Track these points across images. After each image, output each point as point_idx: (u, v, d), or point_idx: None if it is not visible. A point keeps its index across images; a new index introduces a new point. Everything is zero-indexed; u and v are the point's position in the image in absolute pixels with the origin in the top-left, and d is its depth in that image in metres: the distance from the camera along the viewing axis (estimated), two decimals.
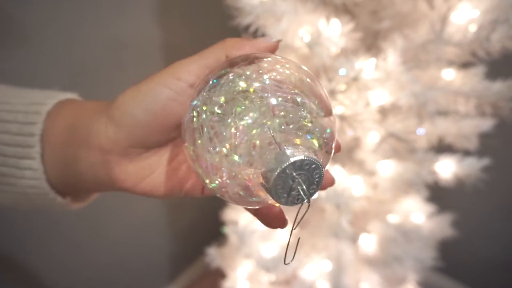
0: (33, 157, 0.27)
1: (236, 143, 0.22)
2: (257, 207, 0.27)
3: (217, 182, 0.23)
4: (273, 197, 0.22)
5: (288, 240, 0.25)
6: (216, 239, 1.09)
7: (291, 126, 0.22)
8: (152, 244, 1.19)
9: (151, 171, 0.27)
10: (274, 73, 0.24)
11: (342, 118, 0.64)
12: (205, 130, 0.23)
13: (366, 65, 0.59)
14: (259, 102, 0.22)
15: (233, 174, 0.23)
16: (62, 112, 0.28)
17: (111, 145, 0.25)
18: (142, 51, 0.90)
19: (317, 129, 0.23)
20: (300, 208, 0.23)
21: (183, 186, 0.29)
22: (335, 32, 0.58)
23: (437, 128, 0.72)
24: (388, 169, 0.75)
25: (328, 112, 0.25)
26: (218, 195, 0.25)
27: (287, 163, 0.21)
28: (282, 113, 0.22)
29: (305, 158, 0.21)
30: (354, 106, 0.63)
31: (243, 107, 0.22)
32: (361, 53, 0.60)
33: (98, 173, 0.26)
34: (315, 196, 0.23)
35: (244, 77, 0.23)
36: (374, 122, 0.66)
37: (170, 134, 0.26)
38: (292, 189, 0.22)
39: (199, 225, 1.31)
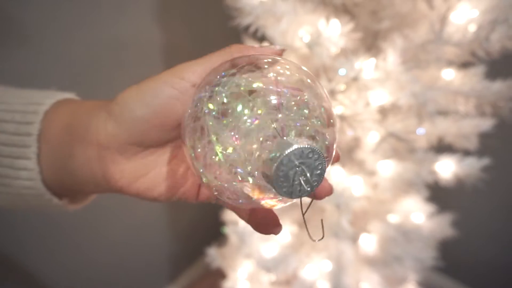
0: (29, 157, 0.27)
1: (239, 137, 0.22)
2: (255, 206, 0.27)
3: (215, 178, 0.23)
4: (274, 187, 0.21)
5: (303, 219, 0.24)
6: (217, 239, 1.09)
7: (294, 122, 0.22)
8: (152, 244, 1.19)
9: (147, 171, 0.27)
10: (277, 73, 0.24)
11: (342, 118, 0.64)
12: (207, 127, 0.23)
13: (366, 65, 0.59)
14: (262, 101, 0.22)
15: (234, 171, 0.22)
16: (59, 111, 0.28)
17: (108, 141, 0.25)
18: (142, 51, 0.90)
19: (319, 125, 0.23)
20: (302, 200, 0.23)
21: (178, 189, 0.29)
22: (334, 32, 0.58)
23: (437, 128, 0.72)
24: (388, 169, 0.75)
25: (329, 118, 0.25)
26: (215, 193, 0.25)
27: (290, 149, 0.21)
28: (286, 111, 0.23)
29: (308, 146, 0.21)
30: (354, 106, 0.63)
31: (246, 105, 0.22)
32: (361, 53, 0.61)
33: (93, 170, 0.26)
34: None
35: (246, 76, 0.23)
36: (374, 122, 0.66)
37: (169, 134, 0.26)
38: (294, 179, 0.21)
39: (199, 225, 1.31)
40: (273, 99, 0.23)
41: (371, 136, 0.72)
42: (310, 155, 0.21)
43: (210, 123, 0.23)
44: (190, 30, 1.01)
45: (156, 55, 0.94)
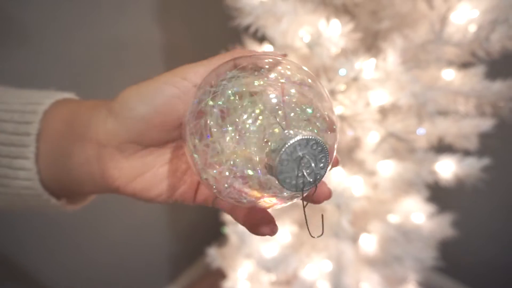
0: (27, 156, 0.27)
1: (242, 133, 0.22)
2: (254, 205, 0.26)
3: (216, 175, 0.23)
4: (277, 178, 0.21)
5: (305, 214, 0.24)
6: (217, 239, 1.09)
7: (298, 117, 0.22)
8: (152, 244, 1.19)
9: (145, 171, 0.27)
10: (279, 73, 0.24)
11: (342, 118, 0.64)
12: (209, 124, 0.23)
13: (366, 65, 0.59)
14: (264, 99, 0.23)
15: (235, 166, 0.22)
16: (59, 111, 0.28)
17: (108, 138, 0.25)
18: (142, 51, 0.90)
19: (320, 123, 0.24)
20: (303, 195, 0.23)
21: (175, 191, 0.28)
22: (335, 32, 0.58)
23: (437, 128, 0.72)
24: (388, 169, 0.75)
25: (332, 124, 0.25)
26: (215, 191, 0.24)
27: (294, 139, 0.20)
28: (289, 109, 0.23)
29: (312, 137, 0.21)
30: (354, 106, 0.63)
31: (248, 102, 0.22)
32: (361, 53, 0.61)
33: (92, 168, 0.26)
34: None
35: (249, 75, 0.23)
36: (374, 122, 0.66)
37: (170, 134, 0.26)
38: (298, 170, 0.21)
39: (199, 225, 1.31)
40: (276, 98, 0.23)
41: (371, 136, 0.72)
42: (314, 147, 0.21)
43: (213, 121, 0.23)
44: (190, 30, 1.01)
45: (156, 55, 0.94)
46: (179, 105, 0.25)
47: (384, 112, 0.70)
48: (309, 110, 0.23)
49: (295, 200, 0.26)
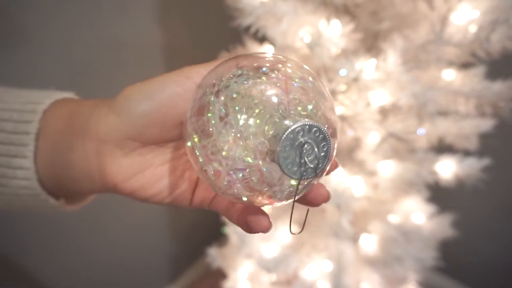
0: (25, 155, 0.27)
1: (244, 126, 0.22)
2: (253, 200, 0.26)
3: (217, 166, 0.23)
4: (279, 164, 0.21)
5: (291, 214, 0.24)
6: (217, 239, 1.09)
7: (299, 113, 0.23)
8: (152, 244, 1.19)
9: (143, 169, 0.27)
10: (280, 71, 0.24)
11: (343, 118, 0.64)
12: (211, 118, 0.23)
13: (366, 65, 0.59)
14: (267, 93, 0.23)
15: (236, 158, 0.22)
16: (59, 110, 0.28)
17: (108, 134, 0.25)
18: (143, 51, 0.90)
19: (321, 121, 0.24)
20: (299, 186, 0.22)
21: (172, 191, 0.28)
22: (335, 32, 0.58)
23: (437, 128, 0.72)
24: (389, 169, 0.75)
25: (333, 130, 0.25)
26: (215, 189, 0.24)
27: (297, 124, 0.20)
28: (292, 105, 0.23)
29: (315, 124, 0.21)
30: (354, 107, 0.63)
31: (251, 98, 0.22)
32: (361, 54, 0.61)
33: (90, 165, 0.26)
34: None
35: (252, 74, 0.24)
36: (375, 123, 0.66)
37: (170, 133, 0.26)
38: (300, 156, 0.21)
39: (199, 225, 1.31)
40: (277, 94, 0.23)
41: (372, 137, 0.72)
42: (317, 133, 0.21)
43: (214, 116, 0.23)
44: (190, 31, 1.01)
45: (156, 55, 0.94)
46: (181, 103, 0.25)
47: (384, 112, 0.70)
48: (310, 107, 0.23)
49: (294, 200, 0.25)
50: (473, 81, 0.66)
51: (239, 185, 0.23)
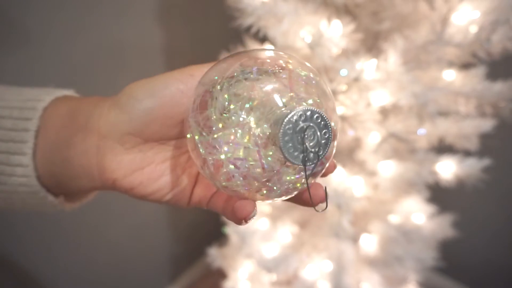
0: (24, 152, 0.27)
1: (246, 121, 0.22)
2: (254, 192, 0.26)
3: (218, 156, 0.23)
4: (281, 149, 0.21)
5: (307, 186, 0.24)
6: (217, 240, 1.09)
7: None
8: (153, 244, 1.19)
9: (143, 165, 0.27)
10: (281, 66, 0.24)
11: (343, 118, 0.64)
12: (213, 113, 0.23)
13: (367, 65, 0.59)
14: (270, 88, 0.23)
15: (238, 149, 0.22)
16: (58, 108, 0.28)
17: (109, 129, 0.25)
18: (143, 52, 0.90)
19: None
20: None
21: (171, 189, 0.28)
22: (336, 33, 0.58)
23: (438, 128, 0.72)
24: (389, 169, 0.75)
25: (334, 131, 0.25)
26: (215, 183, 0.24)
27: (298, 109, 0.20)
28: (295, 98, 0.23)
29: (316, 109, 0.21)
30: (355, 107, 0.63)
31: (253, 93, 0.23)
32: (362, 54, 0.61)
33: (90, 160, 0.26)
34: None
35: (255, 70, 0.24)
36: (375, 123, 0.66)
37: (171, 130, 0.26)
38: (301, 141, 0.21)
39: (200, 225, 1.31)
40: (281, 88, 0.23)
41: (372, 137, 0.72)
42: (319, 120, 0.21)
43: (216, 111, 0.23)
44: (191, 31, 1.01)
45: (157, 56, 0.94)
46: (184, 100, 0.25)
47: (385, 112, 0.70)
48: (311, 101, 0.24)
49: (294, 194, 0.25)
50: (474, 81, 0.66)
51: (239, 176, 0.23)
